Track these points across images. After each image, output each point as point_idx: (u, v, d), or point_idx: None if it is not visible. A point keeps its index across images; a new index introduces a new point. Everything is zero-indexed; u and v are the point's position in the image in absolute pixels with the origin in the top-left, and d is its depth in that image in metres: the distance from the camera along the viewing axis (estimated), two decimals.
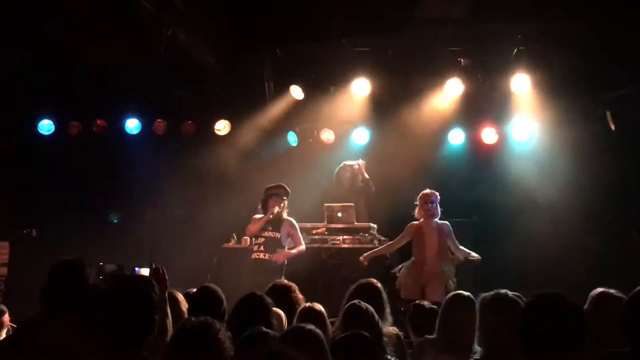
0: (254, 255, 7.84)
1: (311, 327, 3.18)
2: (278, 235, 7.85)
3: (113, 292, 3.28)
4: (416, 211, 7.78)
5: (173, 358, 3.01)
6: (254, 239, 7.94)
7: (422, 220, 7.73)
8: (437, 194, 7.79)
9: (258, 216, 7.90)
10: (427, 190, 7.80)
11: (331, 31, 8.94)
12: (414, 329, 4.85)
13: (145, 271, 5.43)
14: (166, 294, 3.74)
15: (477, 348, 3.51)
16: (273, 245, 7.80)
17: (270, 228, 7.84)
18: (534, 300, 2.97)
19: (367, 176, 9.13)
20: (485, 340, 3.35)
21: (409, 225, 7.75)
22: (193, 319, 3.08)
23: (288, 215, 7.98)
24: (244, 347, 3.13)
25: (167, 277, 3.79)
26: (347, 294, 4.83)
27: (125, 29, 8.57)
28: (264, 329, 3.39)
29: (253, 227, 7.88)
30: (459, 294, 4.52)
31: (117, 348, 3.14)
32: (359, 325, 3.79)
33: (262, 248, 7.80)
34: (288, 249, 7.93)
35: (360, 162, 9.22)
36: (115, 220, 10.46)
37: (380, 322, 4.23)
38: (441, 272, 7.57)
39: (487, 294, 3.51)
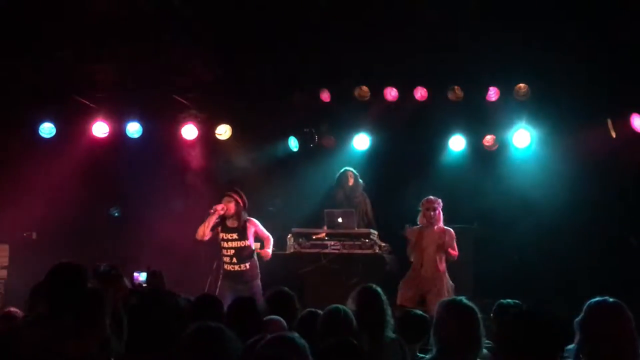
0: (228, 268, 7.77)
1: (294, 334, 3.16)
2: (247, 242, 7.78)
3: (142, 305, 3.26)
4: (419, 218, 7.73)
5: None
6: (223, 250, 7.82)
7: (423, 226, 7.70)
8: (440, 200, 7.72)
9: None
10: (430, 197, 7.74)
11: (332, 36, 8.94)
12: (403, 336, 4.84)
13: (143, 275, 5.41)
14: None
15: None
16: (244, 253, 7.74)
17: (237, 237, 7.76)
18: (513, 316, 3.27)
19: (370, 216, 9.01)
20: (439, 340, 3.58)
21: (409, 230, 7.71)
22: (200, 324, 2.99)
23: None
24: (248, 353, 3.10)
25: (164, 281, 3.77)
26: (349, 299, 4.82)
27: (125, 31, 8.57)
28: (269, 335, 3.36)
29: (201, 230, 7.75)
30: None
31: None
32: (336, 331, 3.80)
33: (234, 260, 7.74)
34: (260, 248, 7.89)
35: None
36: (117, 214, 10.46)
37: (357, 327, 4.25)
38: (439, 280, 7.53)
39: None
